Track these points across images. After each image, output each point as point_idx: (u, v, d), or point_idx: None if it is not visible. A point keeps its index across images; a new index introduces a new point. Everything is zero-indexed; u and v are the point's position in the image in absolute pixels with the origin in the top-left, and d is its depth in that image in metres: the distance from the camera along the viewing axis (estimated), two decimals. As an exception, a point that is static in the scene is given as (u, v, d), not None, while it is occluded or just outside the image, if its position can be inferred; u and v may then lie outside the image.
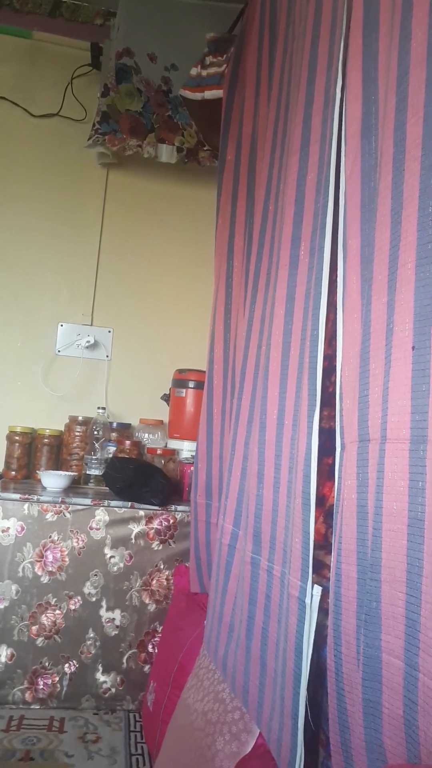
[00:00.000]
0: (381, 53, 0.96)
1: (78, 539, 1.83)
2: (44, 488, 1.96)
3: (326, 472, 1.03)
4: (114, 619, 1.85)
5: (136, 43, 2.27)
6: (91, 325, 2.47)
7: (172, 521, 1.90)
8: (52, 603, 1.81)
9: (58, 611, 1.81)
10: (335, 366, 0.98)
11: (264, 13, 1.62)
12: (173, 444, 2.28)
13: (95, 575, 1.84)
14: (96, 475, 2.14)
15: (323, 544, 1.04)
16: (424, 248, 0.76)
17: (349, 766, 0.85)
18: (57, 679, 1.81)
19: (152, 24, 2.28)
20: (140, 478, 1.90)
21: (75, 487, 2.08)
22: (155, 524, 1.89)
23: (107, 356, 2.48)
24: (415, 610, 0.73)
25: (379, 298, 0.86)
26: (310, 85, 1.17)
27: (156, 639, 1.86)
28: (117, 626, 1.85)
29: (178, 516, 1.91)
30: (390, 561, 0.78)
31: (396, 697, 0.76)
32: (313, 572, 0.98)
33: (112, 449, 2.19)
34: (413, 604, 0.74)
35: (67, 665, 1.82)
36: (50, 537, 1.82)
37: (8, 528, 1.80)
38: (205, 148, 2.30)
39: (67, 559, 1.82)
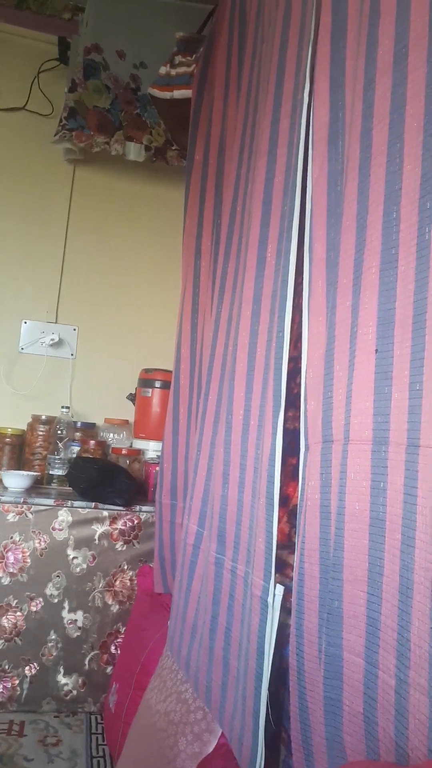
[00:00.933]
0: (348, 60, 0.97)
1: (40, 540, 1.81)
2: (5, 488, 1.92)
3: (290, 473, 1.04)
4: (76, 620, 1.83)
5: (105, 40, 2.25)
6: (56, 322, 2.44)
7: (136, 522, 1.89)
8: (13, 605, 1.78)
9: (19, 613, 1.78)
10: (300, 367, 0.99)
11: (233, 15, 1.63)
12: (138, 444, 2.26)
13: (57, 576, 1.81)
14: (59, 475, 2.11)
15: (287, 543, 1.05)
16: (389, 253, 0.78)
17: (310, 764, 0.86)
18: (17, 682, 1.78)
19: (121, 21, 2.27)
20: (104, 478, 1.89)
21: (37, 487, 2.05)
22: (119, 525, 1.87)
23: (72, 354, 2.45)
24: (375, 608, 0.75)
25: (344, 302, 0.87)
26: (279, 89, 1.18)
27: (119, 640, 1.85)
28: (79, 628, 1.83)
29: (143, 516, 1.90)
30: (352, 560, 0.79)
31: (356, 694, 0.77)
32: (277, 572, 0.99)
33: (76, 449, 2.17)
34: (374, 602, 0.75)
35: (27, 668, 1.79)
36: (11, 538, 1.79)
37: (-32, 529, 1.77)
38: (173, 148, 2.30)
39: (28, 560, 1.80)
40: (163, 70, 1.88)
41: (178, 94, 1.85)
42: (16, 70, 2.42)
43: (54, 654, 1.81)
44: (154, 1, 2.29)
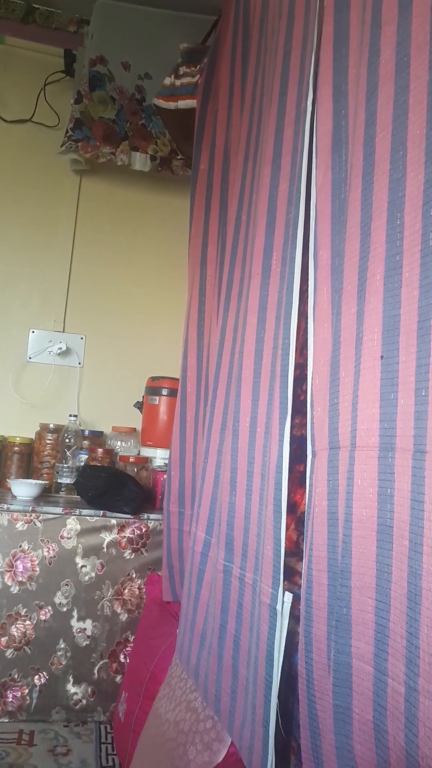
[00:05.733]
0: (351, 68, 0.98)
1: (49, 548, 1.81)
2: (14, 497, 1.93)
3: (297, 480, 1.04)
4: (85, 629, 1.82)
5: (110, 52, 2.27)
6: (63, 331, 2.45)
7: (144, 530, 1.89)
8: (22, 613, 1.78)
9: (28, 622, 1.79)
10: (306, 374, 1.00)
11: (237, 25, 1.64)
12: (146, 452, 2.27)
13: (66, 585, 1.82)
14: (67, 484, 2.12)
15: (294, 551, 1.05)
16: (393, 259, 0.78)
17: (320, 773, 0.85)
18: (26, 691, 1.78)
19: (126, 33, 2.29)
20: (112, 486, 1.89)
21: (46, 495, 2.05)
22: (127, 533, 1.88)
23: (79, 363, 2.46)
24: (384, 615, 0.74)
25: (349, 308, 0.87)
26: (282, 98, 1.19)
27: (128, 649, 1.85)
28: (88, 636, 1.83)
29: (151, 524, 1.90)
30: (360, 567, 0.79)
31: (366, 702, 0.77)
32: (285, 579, 0.99)
33: (83, 457, 2.17)
34: (382, 609, 0.75)
35: (37, 677, 1.79)
36: (20, 546, 1.79)
37: (-23, 538, 1.77)
38: (178, 157, 2.32)
39: (37, 569, 1.80)
40: (167, 80, 1.90)
41: (183, 104, 1.87)
42: (22, 83, 2.45)
43: (63, 663, 1.81)
44: (158, 13, 2.31)
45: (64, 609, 1.81)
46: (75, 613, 1.82)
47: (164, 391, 2.24)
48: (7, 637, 1.77)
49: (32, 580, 1.79)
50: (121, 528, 1.87)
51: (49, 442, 2.22)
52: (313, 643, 0.88)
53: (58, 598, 1.81)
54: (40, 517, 1.82)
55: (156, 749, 1.28)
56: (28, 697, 1.78)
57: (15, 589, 1.78)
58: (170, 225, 2.54)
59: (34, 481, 2.01)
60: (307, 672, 0.89)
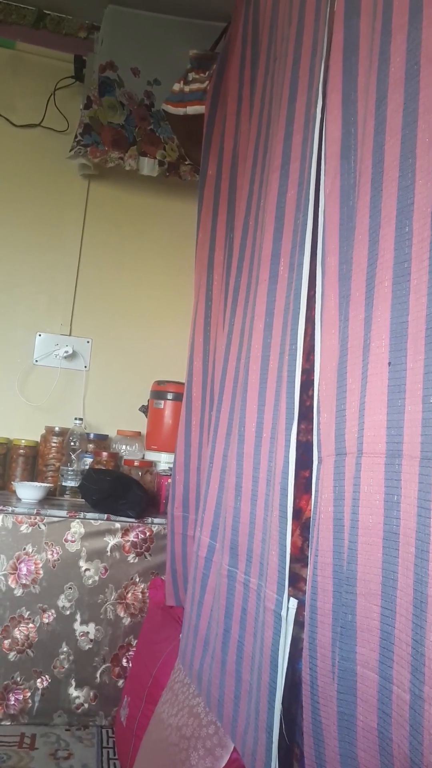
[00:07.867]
0: (360, 76, 0.98)
1: (53, 552, 1.81)
2: (19, 499, 1.94)
3: (303, 486, 1.04)
4: (88, 632, 1.82)
5: (120, 57, 2.28)
6: (70, 335, 2.46)
7: (148, 534, 1.89)
8: (26, 616, 1.78)
9: (31, 625, 1.79)
10: (313, 380, 1.00)
11: (246, 32, 1.65)
12: (151, 456, 2.27)
13: (70, 588, 1.82)
14: (72, 487, 2.12)
15: (299, 557, 1.05)
16: (401, 267, 0.78)
17: (324, 780, 0.85)
18: (29, 694, 1.78)
19: (136, 39, 2.30)
20: (117, 490, 1.89)
21: (50, 498, 2.06)
22: (131, 537, 1.88)
23: (85, 367, 2.47)
24: (389, 623, 0.74)
25: (357, 315, 0.87)
26: (291, 105, 1.20)
27: (130, 653, 1.85)
28: (91, 640, 1.83)
29: (155, 528, 1.90)
30: (365, 574, 0.79)
31: (370, 709, 0.76)
32: (290, 585, 0.99)
33: (88, 461, 2.18)
34: (388, 617, 0.75)
35: (39, 680, 1.79)
36: (24, 549, 1.80)
37: (-19, 540, 1.78)
38: (186, 163, 2.32)
39: (41, 572, 1.80)
40: (176, 86, 1.91)
41: (192, 110, 1.88)
42: (32, 88, 2.46)
43: (66, 666, 1.80)
44: (167, 20, 2.32)
45: (67, 612, 1.81)
46: (78, 617, 1.82)
47: (169, 395, 2.24)
48: (10, 640, 1.77)
49: (36, 583, 1.80)
50: (125, 532, 1.87)
51: (54, 445, 2.23)
52: (318, 649, 0.88)
53: (62, 602, 1.81)
54: (45, 520, 1.82)
55: (158, 754, 1.28)
56: (30, 701, 1.78)
57: (18, 592, 1.78)
58: (177, 230, 2.55)
59: (38, 484, 2.01)
60: (311, 678, 0.89)
